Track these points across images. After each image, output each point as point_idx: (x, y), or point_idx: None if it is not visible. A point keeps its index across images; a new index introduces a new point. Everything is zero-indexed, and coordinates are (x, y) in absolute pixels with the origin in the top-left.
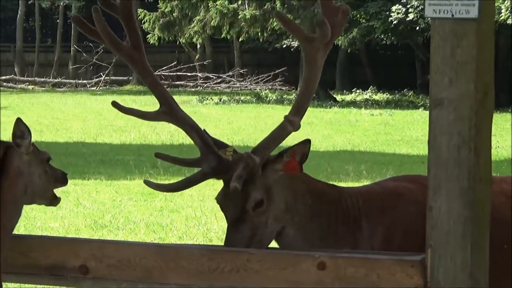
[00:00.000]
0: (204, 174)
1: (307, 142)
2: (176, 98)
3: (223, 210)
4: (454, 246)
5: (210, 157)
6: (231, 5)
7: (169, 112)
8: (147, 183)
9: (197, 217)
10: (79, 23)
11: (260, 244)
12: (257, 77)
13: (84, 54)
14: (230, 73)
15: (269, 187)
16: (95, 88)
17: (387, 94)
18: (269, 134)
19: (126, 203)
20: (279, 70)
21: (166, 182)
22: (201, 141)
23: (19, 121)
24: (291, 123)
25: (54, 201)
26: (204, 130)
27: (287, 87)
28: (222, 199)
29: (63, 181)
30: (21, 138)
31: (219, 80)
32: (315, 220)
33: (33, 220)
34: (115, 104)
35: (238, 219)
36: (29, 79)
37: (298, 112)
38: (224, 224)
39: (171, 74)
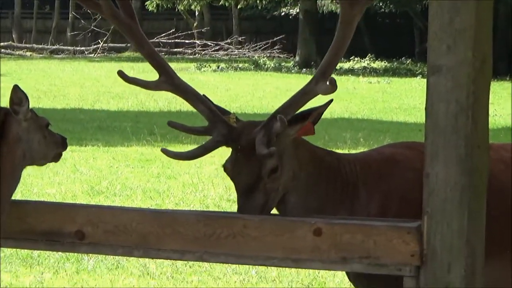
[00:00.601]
0: (216, 141)
1: (327, 103)
2: (174, 65)
3: (234, 177)
4: (451, 213)
5: (219, 125)
6: None
7: (170, 82)
8: (165, 151)
9: (194, 183)
10: None
11: (268, 212)
12: (255, 45)
13: (82, 21)
14: (228, 41)
15: (282, 154)
16: (93, 55)
17: (385, 62)
18: (291, 97)
19: (123, 169)
20: (277, 37)
21: (163, 147)
22: (207, 109)
23: (16, 88)
24: (318, 85)
25: (55, 159)
26: (204, 95)
27: (285, 55)
28: (233, 167)
29: (62, 146)
30: (18, 105)
31: (217, 48)
32: (315, 187)
33: (30, 186)
34: (120, 74)
35: (253, 186)
36: (27, 45)
37: (326, 72)
38: (221, 191)
39: (169, 41)
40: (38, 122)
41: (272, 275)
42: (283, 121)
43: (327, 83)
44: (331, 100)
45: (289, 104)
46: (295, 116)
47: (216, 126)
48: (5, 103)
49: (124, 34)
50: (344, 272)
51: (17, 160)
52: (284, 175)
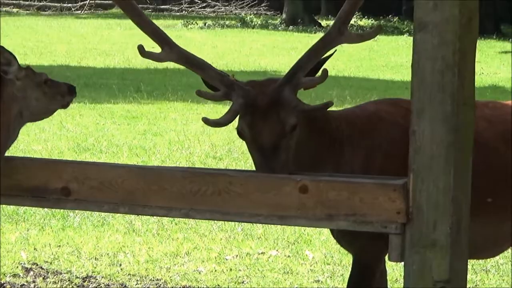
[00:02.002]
0: (241, 103)
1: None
2: (161, 22)
3: (255, 138)
4: (437, 171)
5: (236, 88)
6: None
7: (172, 52)
8: (205, 120)
9: (180, 141)
10: None
11: (288, 168)
12: (242, 2)
13: None
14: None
15: (298, 111)
16: (80, 11)
17: (372, 20)
18: (311, 48)
19: (109, 126)
20: None
21: (150, 106)
22: (218, 75)
23: (2, 49)
24: (340, 32)
25: (64, 107)
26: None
27: (272, 12)
28: (253, 128)
29: (70, 93)
30: (8, 65)
31: (204, 5)
32: (307, 144)
33: (16, 143)
34: (140, 48)
35: (277, 144)
36: (14, 2)
37: (346, 21)
38: (207, 148)
39: None
40: (35, 80)
41: (258, 233)
42: (280, 86)
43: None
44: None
45: (311, 56)
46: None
47: (234, 88)
48: None
49: (124, 12)
50: (329, 230)
51: (12, 117)
52: (298, 132)
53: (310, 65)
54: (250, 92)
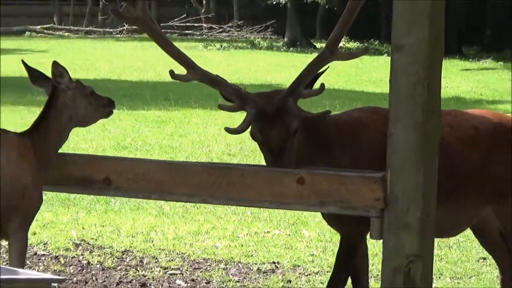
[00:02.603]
0: (254, 114)
1: (322, 71)
2: (185, 44)
3: (265, 141)
4: (409, 169)
5: (249, 101)
6: None
7: (193, 74)
8: (227, 129)
9: (201, 141)
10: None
11: (293, 164)
12: (251, 28)
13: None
14: (230, 24)
15: (298, 117)
16: (119, 35)
17: (357, 43)
18: (307, 66)
19: (143, 129)
20: (270, 22)
21: (176, 113)
22: (233, 90)
23: (55, 63)
24: (333, 52)
25: (106, 117)
26: (217, 75)
27: (275, 36)
28: (265, 133)
29: (110, 105)
30: (60, 77)
31: (220, 30)
32: (306, 144)
33: (67, 142)
34: (171, 72)
35: (283, 146)
36: (66, 27)
37: (336, 43)
38: (223, 147)
39: (182, 24)
40: (83, 91)
41: (264, 215)
42: (286, 97)
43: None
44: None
45: (309, 71)
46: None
47: (247, 102)
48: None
49: (156, 42)
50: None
51: (63, 122)
52: (299, 134)
53: (308, 79)
54: (260, 103)
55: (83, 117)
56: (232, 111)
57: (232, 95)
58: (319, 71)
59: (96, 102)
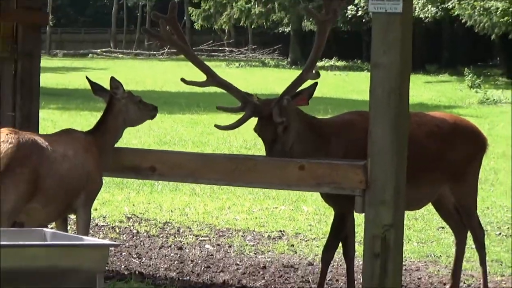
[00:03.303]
0: (248, 115)
1: (314, 85)
2: (211, 63)
3: (261, 136)
4: (384, 158)
5: (249, 105)
6: (247, 5)
7: (213, 80)
8: (217, 126)
9: (224, 137)
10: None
11: (286, 154)
12: (263, 51)
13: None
14: (246, 48)
15: (289, 118)
16: (161, 56)
17: (344, 62)
18: (291, 82)
19: (179, 128)
20: (277, 46)
21: (205, 116)
22: (240, 95)
23: (113, 78)
24: (307, 74)
25: (152, 119)
26: (229, 83)
27: (281, 58)
28: (260, 129)
29: (154, 110)
30: (116, 89)
31: (239, 53)
32: (308, 140)
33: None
34: (183, 80)
35: (274, 140)
36: (120, 50)
37: (311, 66)
38: (241, 142)
39: (208, 48)
40: (133, 100)
41: (273, 195)
42: (289, 100)
43: (313, 72)
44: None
45: (291, 87)
46: (295, 93)
47: (247, 105)
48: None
49: (181, 53)
50: (319, 193)
51: (118, 124)
52: (292, 132)
53: (293, 92)
54: (258, 107)
55: (133, 120)
56: (230, 112)
57: (239, 98)
58: (310, 88)
59: (143, 107)
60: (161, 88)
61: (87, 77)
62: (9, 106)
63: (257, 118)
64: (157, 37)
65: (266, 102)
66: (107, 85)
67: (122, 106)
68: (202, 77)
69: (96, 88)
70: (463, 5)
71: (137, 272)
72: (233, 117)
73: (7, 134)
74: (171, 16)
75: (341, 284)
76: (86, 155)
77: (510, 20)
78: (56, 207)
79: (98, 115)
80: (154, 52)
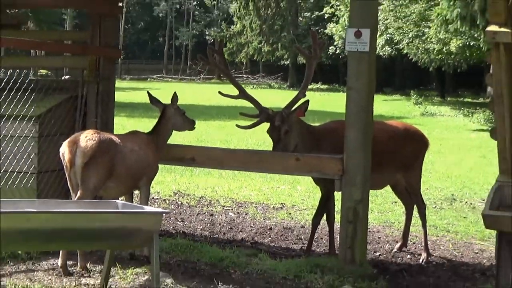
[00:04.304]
0: (261, 121)
1: (307, 102)
2: (231, 86)
3: (270, 136)
4: (355, 153)
5: (263, 114)
6: (259, 45)
7: (242, 95)
8: (238, 126)
9: (244, 138)
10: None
11: (285, 150)
12: (269, 77)
13: (196, 63)
14: (258, 75)
15: (291, 125)
16: (199, 80)
17: (326, 85)
18: (290, 100)
19: (211, 131)
20: (279, 74)
21: (229, 122)
22: (259, 106)
23: (175, 94)
24: (301, 94)
25: (191, 130)
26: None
27: (282, 82)
28: (270, 132)
29: (193, 124)
30: (174, 102)
31: (253, 78)
32: (306, 142)
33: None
34: (220, 92)
35: (278, 140)
36: (169, 76)
37: (304, 88)
38: (255, 141)
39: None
40: (179, 111)
41: (276, 178)
42: (290, 112)
43: (305, 93)
44: (308, 101)
45: (290, 104)
46: (295, 108)
47: (261, 114)
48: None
49: (223, 74)
50: (311, 178)
51: (168, 129)
52: (293, 135)
53: (291, 106)
54: (270, 116)
55: (178, 127)
56: (249, 117)
57: (257, 108)
58: (303, 103)
59: (186, 119)
60: (198, 103)
61: (148, 92)
62: (93, 115)
63: (268, 124)
64: (208, 62)
65: (275, 113)
66: (161, 99)
67: (172, 115)
68: (232, 93)
69: (153, 100)
70: (410, 46)
71: (181, 232)
72: (250, 123)
73: (92, 134)
74: (220, 49)
75: (324, 241)
76: (147, 149)
77: (442, 57)
78: (126, 186)
79: (154, 121)
80: (193, 78)
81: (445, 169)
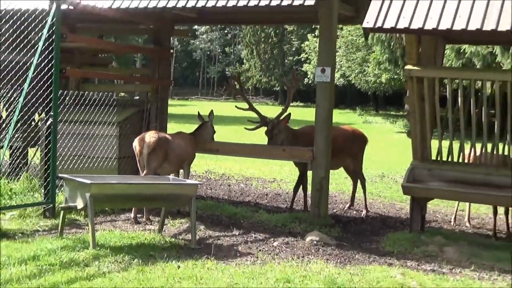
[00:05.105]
0: (261, 125)
1: (289, 114)
2: (241, 103)
3: (266, 135)
4: (321, 147)
5: (262, 121)
6: (260, 77)
7: (250, 108)
8: (246, 128)
9: (249, 137)
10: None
11: (276, 144)
12: (266, 98)
13: (223, 87)
14: (259, 97)
15: (280, 129)
16: (221, 100)
17: (303, 103)
18: (278, 113)
19: (229, 132)
20: (272, 96)
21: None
22: (259, 115)
23: (212, 111)
24: (286, 109)
25: (213, 139)
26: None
27: (274, 101)
28: (266, 133)
29: (214, 134)
30: (211, 116)
31: (255, 99)
32: (290, 140)
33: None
34: (236, 107)
35: (271, 138)
36: (202, 97)
37: (287, 106)
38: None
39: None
40: (212, 127)
41: (271, 162)
42: (279, 121)
43: (288, 110)
44: (290, 113)
45: (278, 115)
46: (283, 118)
47: (262, 121)
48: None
49: (240, 95)
50: (293, 162)
51: (203, 133)
52: (281, 135)
53: (280, 116)
54: (267, 122)
55: (209, 136)
56: (254, 123)
57: (259, 117)
58: (285, 115)
59: (212, 129)
60: (220, 114)
61: (198, 112)
62: (153, 121)
63: (265, 127)
64: (231, 86)
65: (270, 121)
66: (202, 113)
67: (207, 128)
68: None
69: (199, 116)
70: (356, 79)
71: (210, 196)
72: (253, 126)
73: (153, 133)
74: (238, 79)
75: (301, 203)
76: (188, 144)
77: (377, 86)
78: (174, 167)
79: (193, 127)
80: (218, 98)
81: (378, 157)
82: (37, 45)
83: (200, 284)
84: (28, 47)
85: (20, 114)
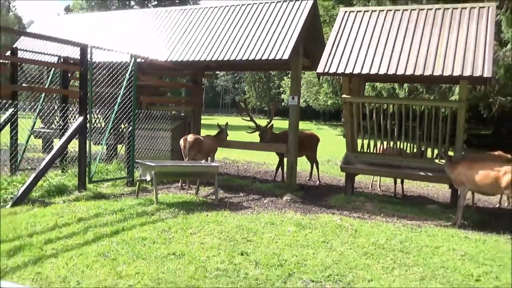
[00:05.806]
0: (256, 130)
1: (273, 124)
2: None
3: (259, 137)
4: (291, 143)
5: (257, 127)
6: (256, 101)
7: (251, 120)
8: (248, 132)
9: (249, 138)
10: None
11: (264, 142)
12: (260, 114)
13: (235, 107)
14: (255, 114)
15: (267, 132)
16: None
17: (281, 118)
18: (266, 123)
19: (237, 135)
20: (263, 113)
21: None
22: (255, 124)
23: (227, 123)
24: (271, 121)
25: (226, 140)
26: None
27: (265, 117)
28: (259, 135)
29: (226, 137)
30: (227, 125)
31: (255, 115)
32: (274, 140)
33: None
34: (243, 119)
35: (262, 138)
36: (221, 113)
37: (271, 119)
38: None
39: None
40: (226, 132)
41: (264, 153)
42: (264, 129)
43: (272, 122)
44: (273, 124)
45: (266, 125)
46: (270, 126)
47: (257, 127)
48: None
49: (245, 112)
50: (275, 153)
51: (221, 136)
52: (268, 136)
53: (267, 125)
54: (260, 129)
55: (224, 138)
56: (252, 129)
57: (255, 124)
58: (270, 125)
59: (226, 134)
60: (232, 124)
61: (217, 123)
62: (192, 129)
63: (259, 132)
64: (239, 107)
65: (262, 128)
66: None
67: (224, 132)
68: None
69: (218, 125)
70: (313, 102)
71: (226, 173)
72: (251, 131)
73: (192, 135)
74: (244, 101)
75: (280, 177)
76: (212, 142)
77: (325, 106)
78: (204, 156)
79: (212, 131)
80: (230, 114)
81: (326, 150)
82: (123, 83)
83: (220, 225)
84: (117, 84)
85: (112, 124)
